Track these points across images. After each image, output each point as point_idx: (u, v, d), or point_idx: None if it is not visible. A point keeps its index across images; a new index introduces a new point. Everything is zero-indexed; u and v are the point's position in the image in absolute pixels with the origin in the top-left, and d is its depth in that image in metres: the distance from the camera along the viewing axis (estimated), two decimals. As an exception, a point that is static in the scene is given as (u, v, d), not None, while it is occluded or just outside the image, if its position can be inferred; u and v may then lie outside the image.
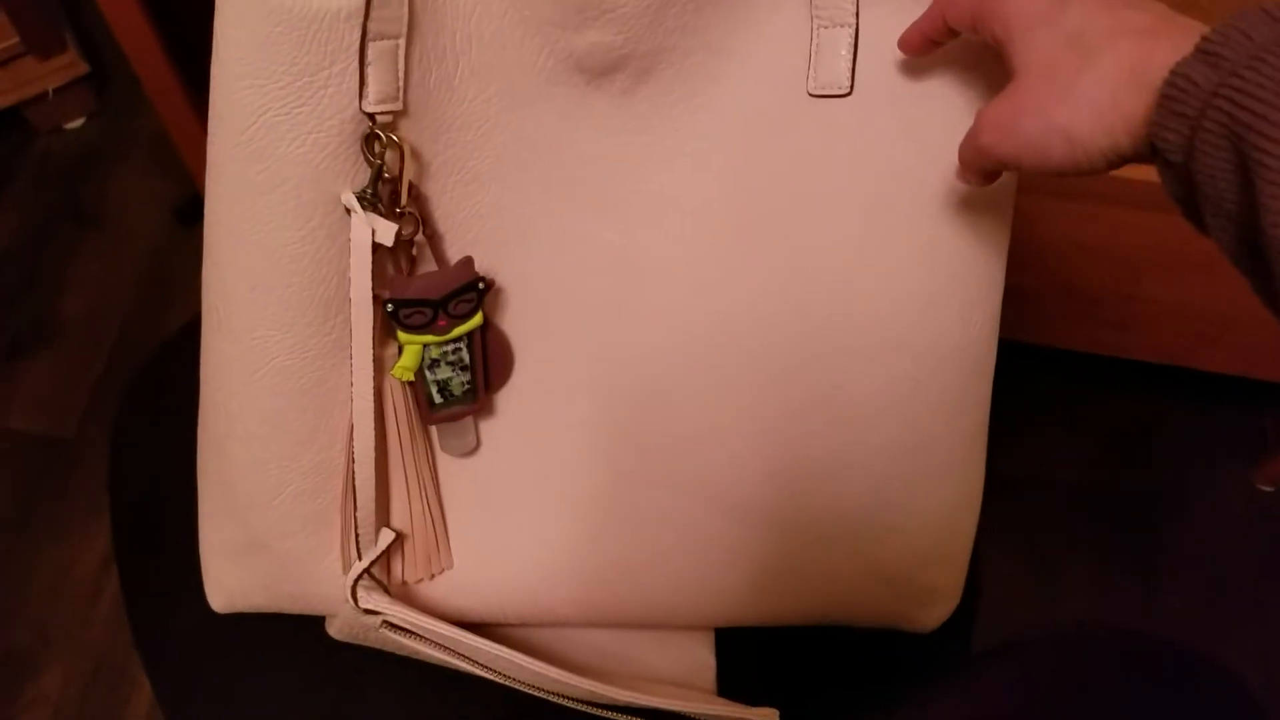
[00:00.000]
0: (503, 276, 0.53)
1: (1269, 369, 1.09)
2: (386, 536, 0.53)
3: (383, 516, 0.55)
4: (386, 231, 0.46)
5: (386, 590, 0.55)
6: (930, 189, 0.51)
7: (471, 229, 0.52)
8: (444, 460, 0.56)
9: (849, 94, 0.50)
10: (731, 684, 0.61)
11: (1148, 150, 0.39)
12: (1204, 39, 0.36)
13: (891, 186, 0.52)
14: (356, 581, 0.53)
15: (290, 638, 0.61)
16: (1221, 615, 1.10)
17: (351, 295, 0.48)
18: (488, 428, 0.56)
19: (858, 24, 0.49)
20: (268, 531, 0.55)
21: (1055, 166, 0.41)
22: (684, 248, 0.53)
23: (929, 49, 0.48)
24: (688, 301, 0.54)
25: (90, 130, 1.44)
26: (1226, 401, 1.20)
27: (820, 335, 0.54)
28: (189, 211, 1.36)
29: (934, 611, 0.62)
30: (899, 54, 0.49)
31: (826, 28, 0.49)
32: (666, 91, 0.50)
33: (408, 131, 0.48)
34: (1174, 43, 0.37)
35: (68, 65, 1.34)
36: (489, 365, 0.54)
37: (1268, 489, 1.18)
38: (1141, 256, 0.98)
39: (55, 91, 1.36)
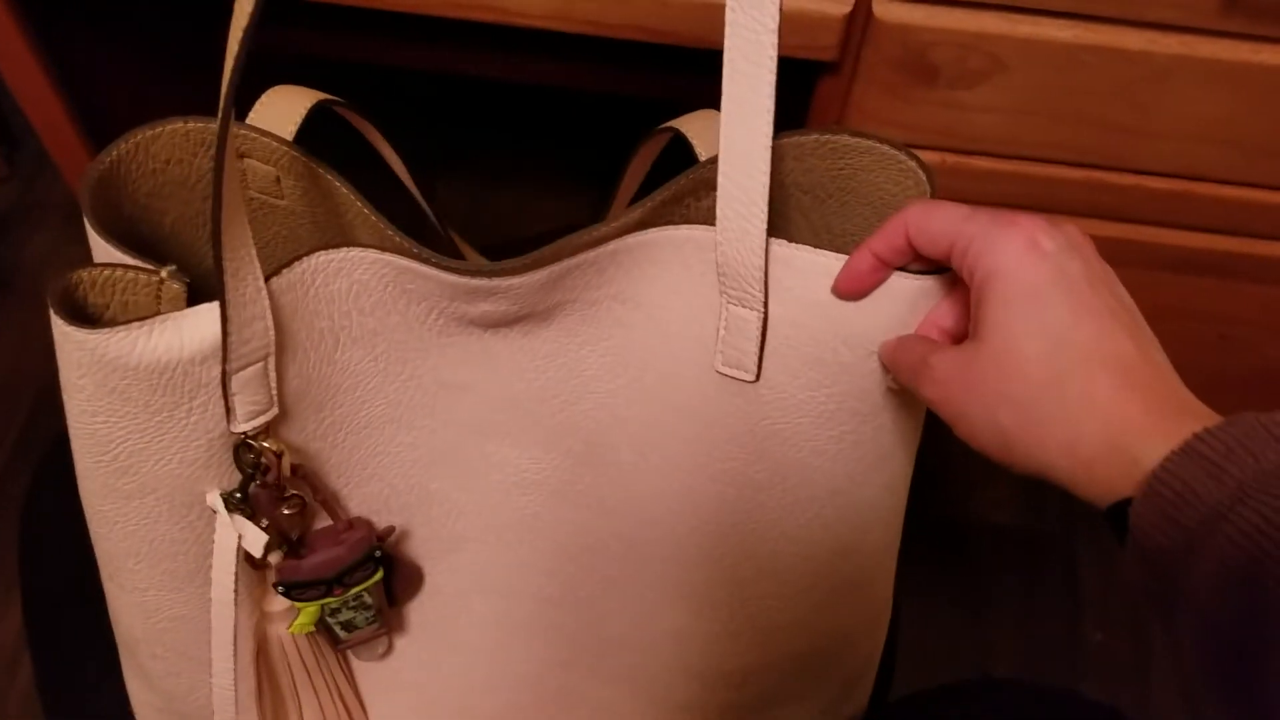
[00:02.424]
0: (407, 495, 0.51)
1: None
2: None
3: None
4: (255, 541, 0.44)
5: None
6: (843, 479, 0.49)
7: (369, 465, 0.50)
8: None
9: (755, 381, 0.47)
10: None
11: (1094, 507, 0.37)
12: (1200, 441, 0.33)
13: (799, 472, 0.49)
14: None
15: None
16: (1143, 651, 1.12)
17: (213, 595, 0.44)
18: (401, 626, 0.56)
19: (766, 313, 0.45)
20: (190, 714, 0.54)
21: (978, 450, 0.39)
22: (593, 473, 0.52)
23: (872, 277, 0.42)
24: (596, 520, 0.53)
25: (0, 196, 1.42)
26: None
27: (730, 579, 0.53)
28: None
29: None
30: (814, 351, 0.45)
31: (735, 305, 0.45)
32: (572, 334, 0.48)
33: (287, 421, 0.45)
34: (1149, 409, 0.35)
35: (-25, 131, 1.31)
36: (396, 587, 0.52)
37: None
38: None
39: (-38, 158, 1.32)
